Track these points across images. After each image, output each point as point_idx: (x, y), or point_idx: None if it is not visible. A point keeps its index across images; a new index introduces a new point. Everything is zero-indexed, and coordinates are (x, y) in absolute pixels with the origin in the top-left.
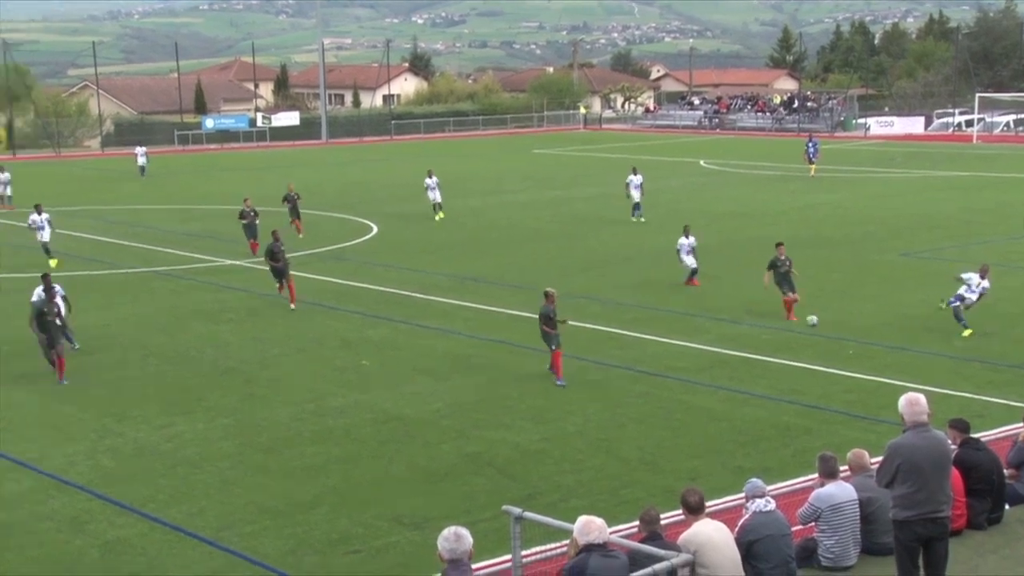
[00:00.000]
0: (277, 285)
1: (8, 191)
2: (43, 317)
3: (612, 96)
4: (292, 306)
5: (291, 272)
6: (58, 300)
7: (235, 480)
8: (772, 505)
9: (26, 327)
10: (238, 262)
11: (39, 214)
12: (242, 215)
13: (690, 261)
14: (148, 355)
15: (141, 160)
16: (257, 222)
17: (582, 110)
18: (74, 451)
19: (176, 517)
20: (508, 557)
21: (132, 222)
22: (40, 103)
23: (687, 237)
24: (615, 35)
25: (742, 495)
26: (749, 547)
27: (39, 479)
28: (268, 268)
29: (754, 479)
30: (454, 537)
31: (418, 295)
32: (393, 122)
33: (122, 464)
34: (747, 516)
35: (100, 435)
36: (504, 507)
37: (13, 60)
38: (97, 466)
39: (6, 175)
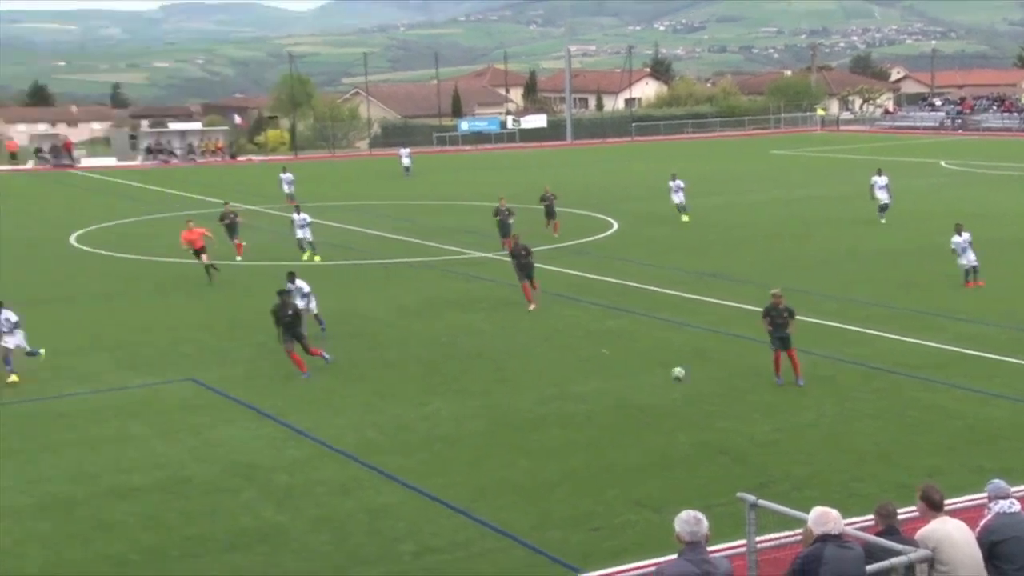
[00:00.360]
0: (521, 284)
1: (292, 189)
2: (280, 317)
3: (850, 98)
4: (533, 306)
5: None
6: (298, 300)
7: (485, 457)
8: (1017, 507)
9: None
10: (489, 255)
11: (298, 214)
12: (496, 212)
13: (970, 258)
14: (407, 339)
15: (405, 161)
16: (510, 221)
17: (819, 112)
18: (343, 423)
19: (433, 488)
20: (743, 542)
21: (396, 216)
22: (318, 109)
23: (960, 235)
24: (854, 38)
25: (982, 495)
26: (992, 547)
27: (314, 447)
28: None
29: (996, 480)
30: (694, 520)
31: (656, 289)
32: (634, 124)
33: (384, 437)
34: (990, 516)
35: (364, 410)
36: (739, 494)
37: (297, 71)
38: (363, 438)
39: (289, 175)
